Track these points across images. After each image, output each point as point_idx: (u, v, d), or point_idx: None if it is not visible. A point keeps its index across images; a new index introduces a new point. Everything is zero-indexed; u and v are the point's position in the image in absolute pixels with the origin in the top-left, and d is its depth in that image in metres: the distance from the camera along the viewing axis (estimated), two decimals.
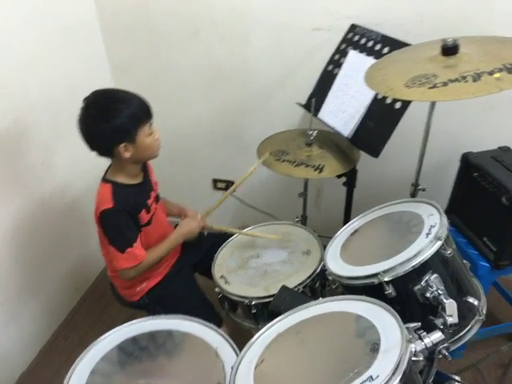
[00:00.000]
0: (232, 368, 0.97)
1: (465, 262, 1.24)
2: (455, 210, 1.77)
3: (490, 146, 1.69)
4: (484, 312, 1.16)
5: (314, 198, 2.30)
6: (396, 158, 1.98)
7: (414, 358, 0.84)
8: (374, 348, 0.85)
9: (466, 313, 1.15)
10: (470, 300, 1.14)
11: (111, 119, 1.30)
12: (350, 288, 1.16)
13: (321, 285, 1.47)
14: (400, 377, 0.77)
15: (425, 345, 0.91)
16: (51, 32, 1.86)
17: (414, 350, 0.84)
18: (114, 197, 1.38)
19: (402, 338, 0.84)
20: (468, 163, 1.65)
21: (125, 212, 1.39)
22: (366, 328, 0.92)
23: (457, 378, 1.30)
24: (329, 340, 0.98)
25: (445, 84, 1.07)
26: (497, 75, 1.04)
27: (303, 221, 1.93)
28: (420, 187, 1.56)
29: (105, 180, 1.44)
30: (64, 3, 1.91)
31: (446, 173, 1.84)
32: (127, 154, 1.36)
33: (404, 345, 0.82)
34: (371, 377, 0.78)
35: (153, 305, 1.56)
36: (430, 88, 1.08)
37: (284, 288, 1.28)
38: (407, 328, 0.92)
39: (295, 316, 1.07)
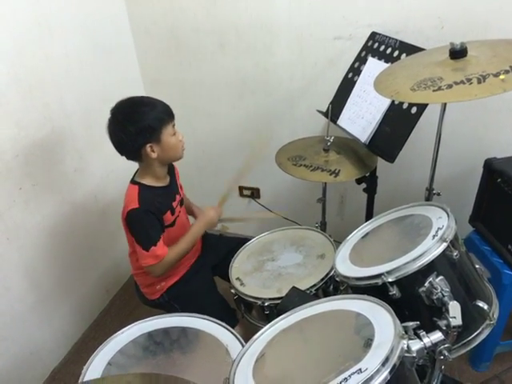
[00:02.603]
0: (234, 361, 1.00)
1: (478, 267, 1.22)
2: (480, 218, 1.74)
3: None
4: (495, 317, 1.13)
5: (338, 204, 2.30)
6: (418, 164, 1.96)
7: (406, 354, 0.84)
8: (368, 343, 0.86)
9: (476, 317, 1.13)
10: (480, 304, 1.12)
11: (136, 121, 1.38)
12: (357, 289, 1.17)
13: (334, 288, 1.48)
14: (389, 370, 0.78)
15: (424, 344, 0.90)
16: (88, 48, 1.98)
17: (405, 345, 0.84)
18: (140, 197, 1.45)
19: (394, 333, 0.85)
20: (491, 169, 1.62)
21: (149, 212, 1.45)
22: (364, 325, 0.93)
23: None
24: (328, 336, 1.00)
25: (449, 86, 1.08)
26: (502, 77, 1.03)
27: (322, 227, 1.94)
28: (435, 191, 1.54)
29: (133, 182, 1.52)
30: (101, 22, 2.03)
31: (472, 179, 1.81)
32: (154, 155, 1.43)
33: (395, 340, 0.82)
34: (360, 369, 0.80)
35: (171, 302, 1.61)
36: (435, 91, 1.09)
37: (294, 289, 1.31)
38: (406, 326, 0.92)
39: (299, 314, 1.09)
